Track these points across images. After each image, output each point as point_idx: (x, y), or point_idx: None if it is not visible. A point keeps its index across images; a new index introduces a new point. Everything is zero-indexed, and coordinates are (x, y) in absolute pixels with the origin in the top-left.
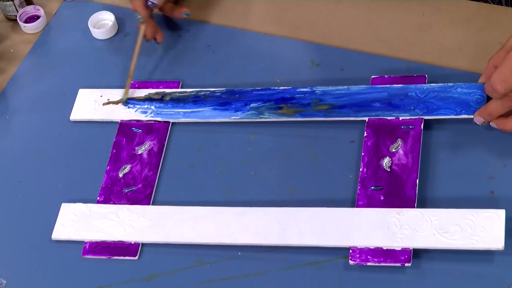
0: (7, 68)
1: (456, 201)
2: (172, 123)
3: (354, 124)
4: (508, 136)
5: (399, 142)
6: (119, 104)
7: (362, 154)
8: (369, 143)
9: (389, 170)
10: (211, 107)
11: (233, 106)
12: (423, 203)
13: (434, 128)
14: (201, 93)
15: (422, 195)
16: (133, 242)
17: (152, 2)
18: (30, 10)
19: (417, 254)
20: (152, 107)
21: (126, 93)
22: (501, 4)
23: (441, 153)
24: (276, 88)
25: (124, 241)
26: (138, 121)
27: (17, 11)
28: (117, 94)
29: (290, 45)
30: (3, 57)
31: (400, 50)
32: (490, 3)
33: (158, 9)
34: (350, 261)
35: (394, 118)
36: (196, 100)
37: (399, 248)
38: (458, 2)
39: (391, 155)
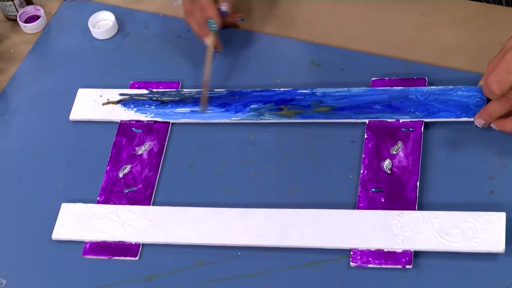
0: (7, 68)
1: (456, 201)
2: (172, 123)
3: (354, 124)
4: (508, 136)
5: (400, 144)
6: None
7: (363, 156)
8: (369, 145)
9: (389, 172)
10: (211, 108)
11: (233, 107)
12: (423, 204)
13: (434, 128)
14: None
15: (423, 196)
16: (133, 243)
17: (224, 11)
18: (30, 10)
19: (417, 253)
20: (152, 107)
21: (204, 103)
22: (502, 4)
23: (441, 153)
24: (276, 89)
25: (125, 241)
26: (138, 121)
27: (17, 11)
28: (116, 94)
29: (290, 45)
30: (3, 57)
31: (400, 50)
32: (491, 3)
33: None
34: (351, 263)
35: (394, 120)
36: (196, 100)
37: (400, 250)
38: (458, 2)
39: (392, 157)
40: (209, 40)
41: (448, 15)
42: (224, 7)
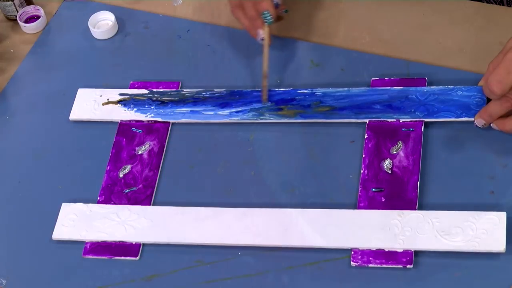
0: (7, 68)
1: (457, 201)
2: (172, 123)
3: (355, 124)
4: (508, 136)
5: (400, 144)
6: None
7: (363, 156)
8: (369, 145)
9: (390, 172)
10: (211, 108)
11: (233, 107)
12: (424, 204)
13: (434, 128)
14: (201, 94)
15: (423, 196)
16: (134, 243)
17: (277, 2)
18: (30, 10)
19: (418, 252)
20: (152, 107)
21: (265, 94)
22: (502, 4)
23: (441, 153)
24: (276, 89)
25: (125, 241)
26: (138, 121)
27: (17, 11)
28: (116, 94)
29: (290, 45)
30: (3, 57)
31: (400, 50)
32: (492, 3)
33: None
34: (352, 262)
35: (394, 120)
36: (196, 100)
37: (401, 250)
38: (458, 2)
39: (392, 157)
40: (264, 32)
41: (448, 15)
42: None
